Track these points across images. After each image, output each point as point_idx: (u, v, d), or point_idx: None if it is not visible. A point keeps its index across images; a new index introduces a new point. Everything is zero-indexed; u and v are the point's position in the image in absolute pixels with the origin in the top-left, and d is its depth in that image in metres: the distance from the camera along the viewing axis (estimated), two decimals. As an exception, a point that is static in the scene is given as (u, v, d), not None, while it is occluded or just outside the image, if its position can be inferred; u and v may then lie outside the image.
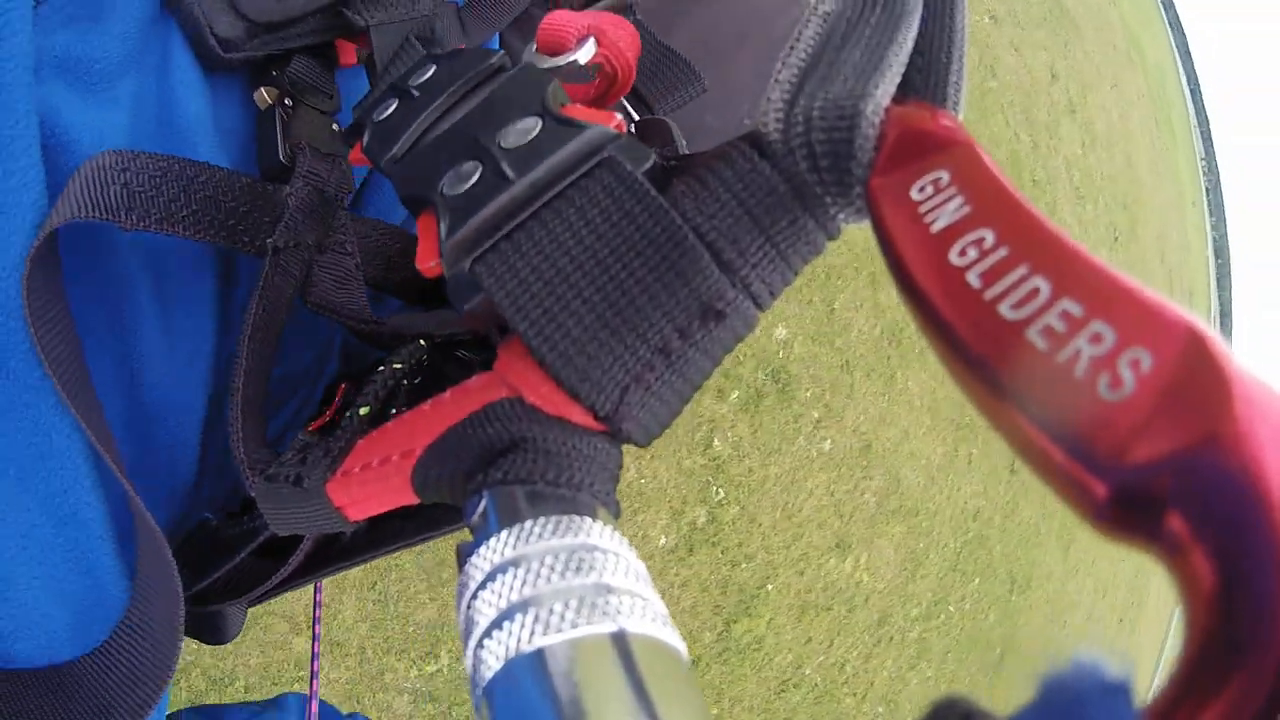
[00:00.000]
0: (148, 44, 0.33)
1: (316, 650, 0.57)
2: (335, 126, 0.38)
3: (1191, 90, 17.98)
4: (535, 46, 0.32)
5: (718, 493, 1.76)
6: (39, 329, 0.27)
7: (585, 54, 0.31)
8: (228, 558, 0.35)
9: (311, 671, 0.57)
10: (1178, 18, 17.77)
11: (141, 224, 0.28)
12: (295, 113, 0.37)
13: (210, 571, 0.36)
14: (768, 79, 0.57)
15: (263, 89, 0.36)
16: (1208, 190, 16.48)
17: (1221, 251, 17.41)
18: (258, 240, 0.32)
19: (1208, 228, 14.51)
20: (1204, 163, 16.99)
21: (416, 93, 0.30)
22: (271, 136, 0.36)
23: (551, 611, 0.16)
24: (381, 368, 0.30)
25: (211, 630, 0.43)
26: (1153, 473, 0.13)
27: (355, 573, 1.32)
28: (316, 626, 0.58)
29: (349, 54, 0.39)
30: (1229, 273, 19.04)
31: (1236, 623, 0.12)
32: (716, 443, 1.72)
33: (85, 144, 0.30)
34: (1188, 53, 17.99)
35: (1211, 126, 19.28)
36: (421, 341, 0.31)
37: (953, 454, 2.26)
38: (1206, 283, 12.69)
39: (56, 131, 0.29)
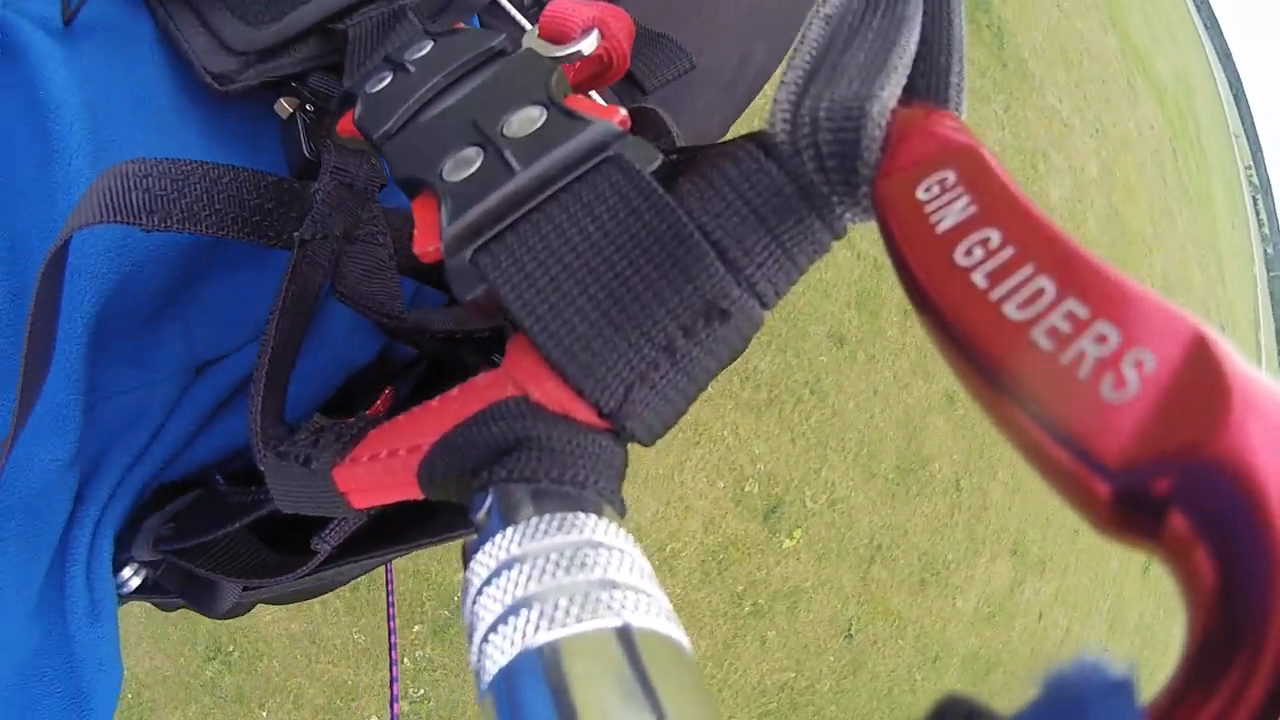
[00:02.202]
0: (120, 26, 0.35)
1: (394, 641, 0.59)
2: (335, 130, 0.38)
3: (1235, 95, 16.96)
4: (538, 32, 0.32)
5: (418, 690, 1.65)
6: (34, 320, 0.27)
7: (589, 45, 0.31)
8: (229, 522, 0.35)
9: (390, 660, 0.58)
10: (1214, 17, 16.77)
11: (164, 225, 0.29)
12: (320, 117, 0.37)
13: (208, 530, 0.36)
14: (753, 15, 0.53)
15: (282, 100, 0.37)
16: (1255, 200, 15.47)
17: (1276, 263, 16.27)
18: (284, 234, 0.32)
19: (1255, 242, 13.47)
20: (1249, 171, 15.95)
21: (412, 67, 0.29)
22: (295, 137, 0.36)
23: (556, 607, 0.16)
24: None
25: (205, 599, 0.42)
26: (1155, 473, 0.13)
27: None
28: (391, 610, 0.60)
29: None
30: (1288, 282, 17.63)
31: (1237, 621, 0.12)
32: (407, 661, 1.63)
33: (43, 57, 0.31)
34: (1228, 54, 16.96)
35: (1259, 130, 18.11)
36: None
37: (729, 642, 2.15)
38: (1254, 304, 11.71)
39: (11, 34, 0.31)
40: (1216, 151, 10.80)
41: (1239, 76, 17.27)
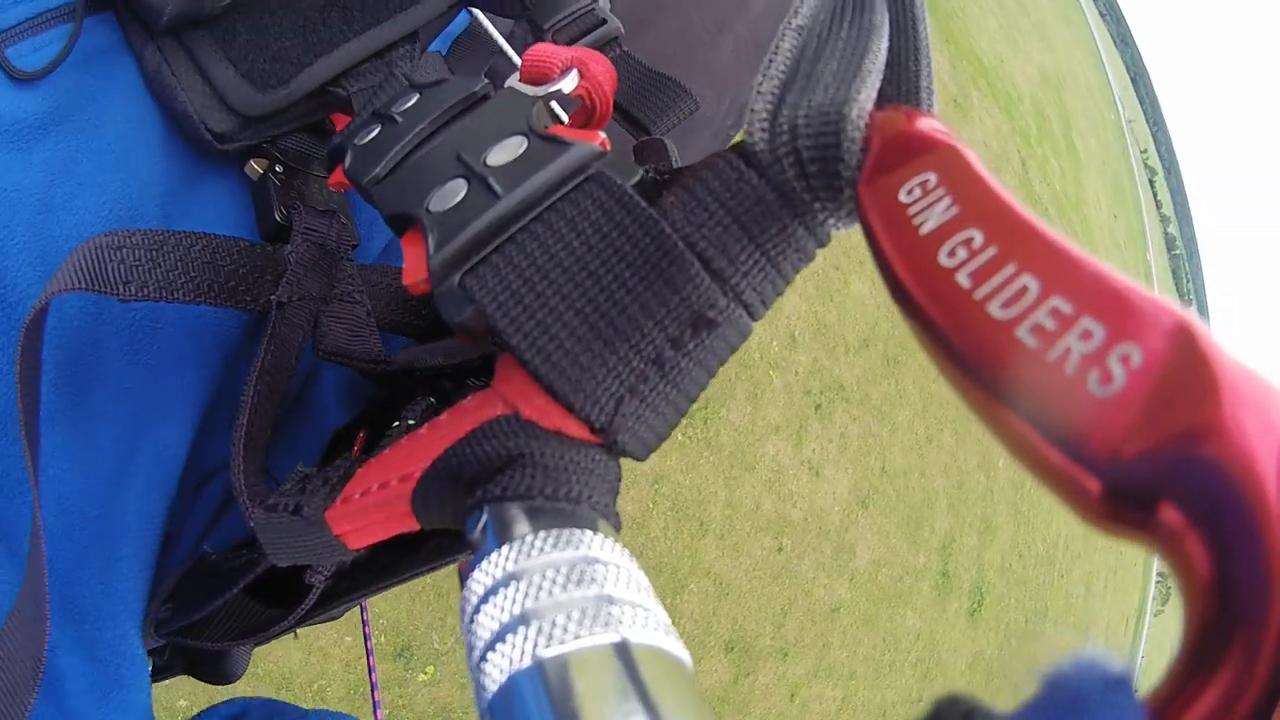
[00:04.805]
0: (79, 101, 0.34)
1: (374, 679, 0.59)
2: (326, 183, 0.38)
3: (1134, 78, 17.21)
4: (519, 76, 0.33)
5: None
6: (23, 386, 0.28)
7: (569, 84, 0.32)
8: (225, 589, 0.34)
9: (372, 683, 0.59)
10: (1112, 2, 16.96)
11: (140, 294, 0.29)
12: (290, 178, 0.37)
13: (207, 603, 0.35)
14: (748, 59, 0.54)
15: (252, 161, 0.37)
16: (1151, 182, 15.74)
17: (1176, 242, 16.57)
18: (260, 299, 0.33)
19: (1148, 226, 13.67)
20: (1145, 154, 16.22)
21: (399, 118, 0.30)
22: (266, 200, 0.36)
23: (554, 624, 0.16)
24: (396, 423, 0.30)
25: (213, 670, 0.42)
26: (1145, 466, 0.13)
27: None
28: (369, 647, 0.60)
29: (344, 123, 0.38)
30: (1197, 256, 18.26)
31: (1234, 609, 0.12)
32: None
33: None
34: (1126, 39, 17.19)
35: (1165, 110, 18.41)
36: (433, 400, 0.31)
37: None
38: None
39: None
40: (1097, 144, 10.90)
41: (1140, 59, 17.49)
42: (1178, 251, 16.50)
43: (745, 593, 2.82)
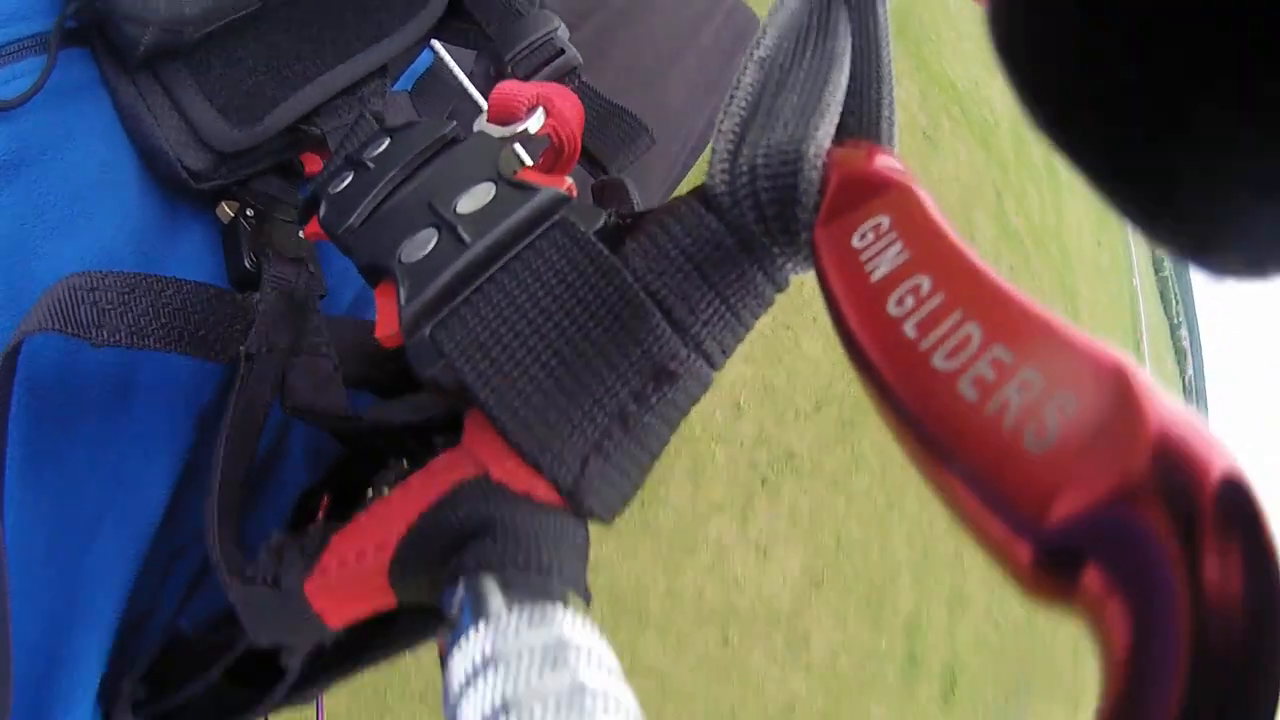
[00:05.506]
0: (52, 140, 0.33)
1: None
2: (301, 234, 0.37)
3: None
4: (486, 116, 0.33)
5: None
6: None
7: (535, 123, 0.32)
8: (203, 670, 0.34)
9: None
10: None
11: (113, 339, 0.29)
12: (261, 223, 0.37)
13: (185, 684, 0.34)
14: (700, 92, 0.56)
15: (224, 203, 0.37)
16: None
17: (1164, 264, 16.42)
18: (230, 349, 0.32)
19: (1133, 249, 13.45)
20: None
21: (371, 165, 0.30)
22: (236, 247, 0.36)
23: (532, 714, 0.16)
24: (370, 491, 0.30)
25: None
26: (1071, 529, 0.13)
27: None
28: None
29: (315, 163, 0.39)
30: (1187, 274, 18.21)
31: (1144, 685, 0.11)
32: None
33: None
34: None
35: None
36: (405, 463, 0.31)
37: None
38: (1131, 320, 11.53)
39: None
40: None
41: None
42: (1165, 273, 16.32)
43: (689, 694, 2.52)
